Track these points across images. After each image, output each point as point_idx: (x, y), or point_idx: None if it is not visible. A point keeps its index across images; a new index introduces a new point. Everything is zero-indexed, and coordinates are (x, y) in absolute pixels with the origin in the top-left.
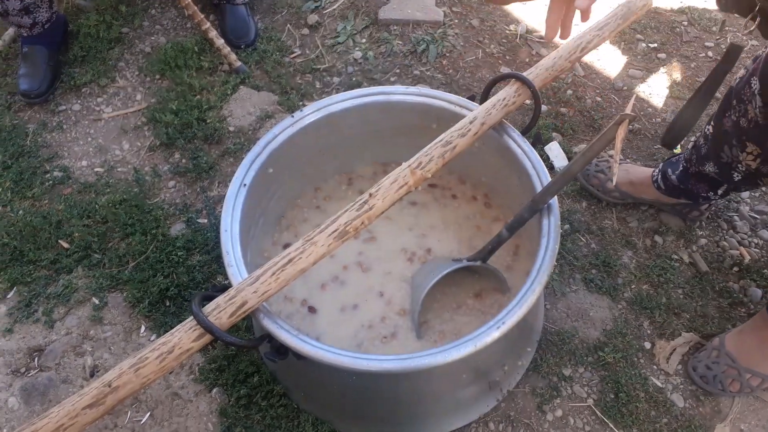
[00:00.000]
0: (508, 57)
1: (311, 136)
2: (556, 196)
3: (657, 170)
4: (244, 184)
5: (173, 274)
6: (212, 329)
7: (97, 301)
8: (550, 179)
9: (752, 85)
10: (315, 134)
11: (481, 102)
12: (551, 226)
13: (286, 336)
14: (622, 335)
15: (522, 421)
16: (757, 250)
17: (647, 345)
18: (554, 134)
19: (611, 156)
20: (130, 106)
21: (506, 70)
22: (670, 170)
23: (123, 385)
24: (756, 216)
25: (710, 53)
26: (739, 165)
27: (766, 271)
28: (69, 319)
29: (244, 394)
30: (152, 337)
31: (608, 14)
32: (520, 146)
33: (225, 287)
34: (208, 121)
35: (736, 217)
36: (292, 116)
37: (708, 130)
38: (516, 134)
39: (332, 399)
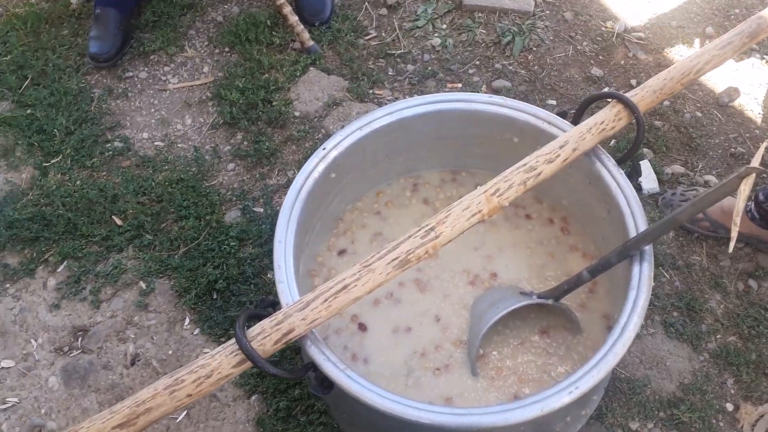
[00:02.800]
0: (601, 57)
1: (381, 140)
2: (651, 244)
3: (751, 197)
4: (303, 193)
5: (223, 265)
6: (254, 358)
7: (144, 286)
8: (645, 221)
9: None
10: (385, 139)
11: (574, 121)
12: (642, 278)
13: (332, 370)
14: (701, 392)
15: None
16: None
17: (729, 407)
18: (645, 150)
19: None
20: (197, 79)
21: (598, 72)
22: (762, 195)
23: (156, 407)
24: None
25: None
26: None
27: None
28: (115, 302)
29: (283, 407)
30: (196, 331)
31: (733, 30)
32: (615, 177)
33: (273, 303)
34: (273, 103)
35: None
36: (359, 118)
37: None
38: (611, 162)
39: (375, 430)
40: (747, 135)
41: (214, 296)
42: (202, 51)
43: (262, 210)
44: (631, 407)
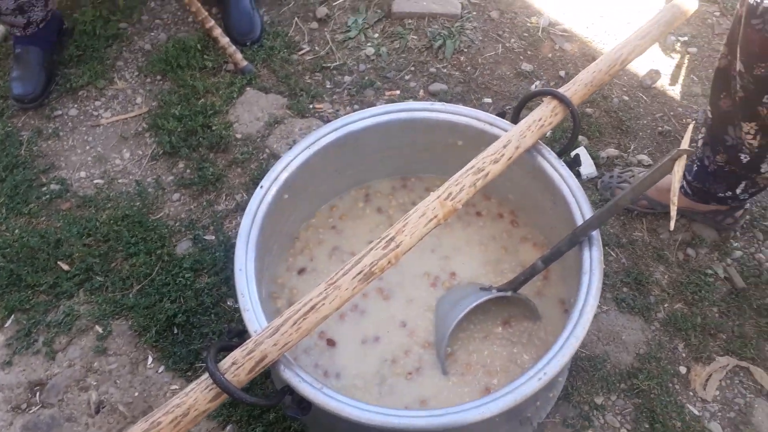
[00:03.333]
0: (529, 52)
1: (329, 156)
2: (598, 229)
3: (684, 176)
4: (258, 218)
5: (181, 298)
6: (231, 390)
7: (100, 330)
8: (590, 208)
9: (736, 67)
10: (333, 154)
11: (513, 120)
12: (594, 262)
13: (309, 391)
14: (656, 360)
15: None
16: None
17: (683, 370)
18: (580, 138)
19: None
20: (130, 111)
21: (528, 67)
22: (686, 173)
23: None
24: None
25: None
26: (744, 146)
27: None
28: (71, 350)
29: None
30: (160, 369)
31: (650, 20)
32: (557, 170)
33: (240, 332)
34: (213, 127)
35: None
36: (305, 137)
37: (708, 115)
38: (552, 156)
39: None
40: (671, 113)
41: (175, 331)
42: (133, 81)
43: (213, 237)
44: (594, 383)
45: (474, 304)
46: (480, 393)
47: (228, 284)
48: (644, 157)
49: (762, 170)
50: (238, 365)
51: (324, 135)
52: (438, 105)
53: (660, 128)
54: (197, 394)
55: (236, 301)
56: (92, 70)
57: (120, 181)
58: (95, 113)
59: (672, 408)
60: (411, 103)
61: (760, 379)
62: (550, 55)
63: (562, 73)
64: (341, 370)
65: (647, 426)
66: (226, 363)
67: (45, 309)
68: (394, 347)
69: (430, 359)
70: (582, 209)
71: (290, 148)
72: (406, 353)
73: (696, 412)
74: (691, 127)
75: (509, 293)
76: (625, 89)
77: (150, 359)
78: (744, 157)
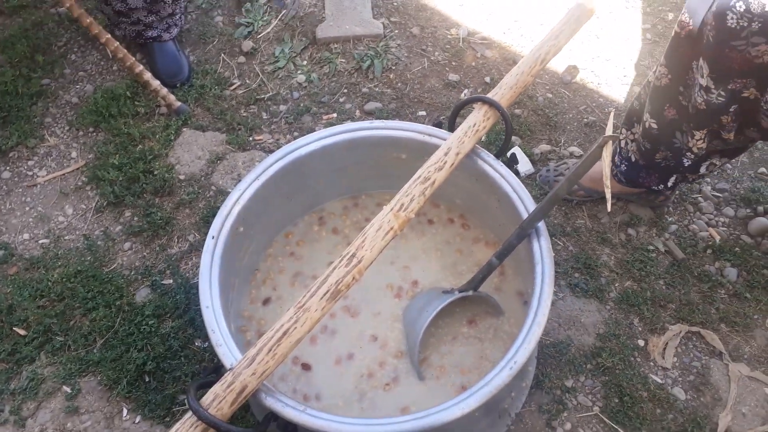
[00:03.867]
0: (454, 63)
1: (279, 185)
2: (542, 220)
3: (615, 162)
4: (217, 253)
5: (147, 346)
6: (217, 424)
7: (68, 390)
8: (532, 201)
9: (696, 68)
10: (283, 182)
11: (449, 128)
12: (543, 251)
13: (294, 414)
14: (615, 337)
15: None
16: (725, 229)
17: (641, 343)
18: (513, 138)
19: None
20: (67, 166)
21: (455, 77)
22: (617, 170)
23: None
24: (718, 194)
25: (649, 35)
26: (689, 151)
27: (737, 249)
28: (41, 414)
29: None
30: (137, 419)
31: (561, 20)
32: (497, 170)
33: (217, 368)
34: (155, 172)
35: (700, 199)
36: (252, 169)
37: (650, 125)
38: (490, 158)
39: None
40: (594, 105)
41: (147, 379)
42: (65, 136)
43: (171, 281)
44: (562, 368)
45: (438, 309)
46: (457, 392)
47: (193, 325)
48: (575, 149)
49: (701, 171)
50: (220, 399)
51: (271, 165)
52: (378, 123)
53: (585, 120)
54: None
55: (205, 341)
56: (20, 129)
57: (66, 237)
58: (29, 173)
59: (637, 380)
60: (351, 124)
61: (711, 341)
62: (473, 64)
63: (487, 79)
64: (320, 391)
65: (617, 401)
66: (207, 399)
67: (7, 377)
68: (369, 361)
69: (405, 368)
70: (525, 204)
71: (239, 181)
72: (380, 365)
73: (659, 381)
74: (612, 114)
75: (470, 293)
76: (547, 87)
77: (125, 411)
78: (686, 161)
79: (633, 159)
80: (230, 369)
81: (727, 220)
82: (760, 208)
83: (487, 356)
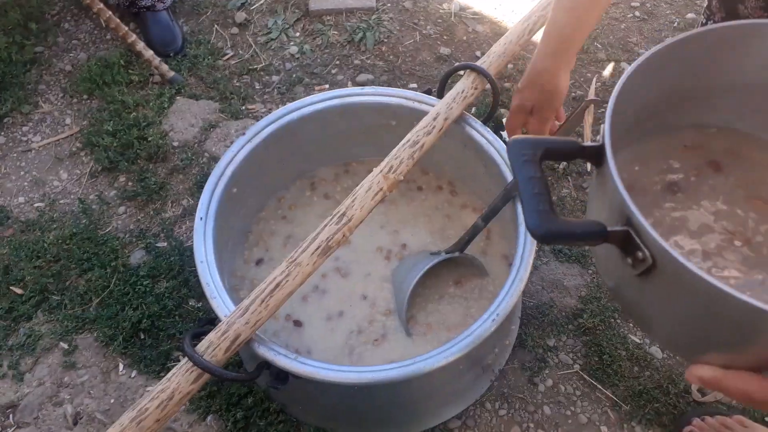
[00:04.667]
0: (445, 37)
1: (271, 148)
2: None
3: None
4: (211, 211)
5: (142, 305)
6: (211, 369)
7: (65, 346)
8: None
9: None
10: (275, 146)
11: (438, 95)
12: None
13: (285, 362)
14: (596, 300)
15: (516, 396)
16: None
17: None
18: (501, 110)
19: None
20: (61, 132)
21: (446, 51)
22: None
23: None
24: None
25: (637, 13)
26: None
27: None
28: (39, 369)
29: (240, 417)
30: (133, 374)
31: None
32: (484, 135)
33: (211, 320)
34: (149, 138)
35: None
36: (244, 134)
37: None
38: (478, 124)
39: (332, 409)
40: (581, 79)
41: (142, 336)
42: (59, 104)
43: (165, 244)
44: (545, 328)
45: (426, 269)
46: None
47: (187, 286)
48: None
49: None
50: (214, 346)
51: (263, 128)
52: (368, 89)
53: (573, 94)
54: (179, 378)
55: (199, 301)
56: (14, 96)
57: (62, 201)
58: (24, 138)
59: (616, 340)
60: (343, 90)
61: None
62: (464, 38)
63: (478, 53)
64: (311, 346)
65: (597, 359)
66: (202, 346)
67: (4, 334)
68: (359, 319)
69: (393, 325)
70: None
71: (232, 144)
72: (370, 323)
73: (637, 341)
74: (594, 79)
75: (457, 254)
76: (520, 57)
77: (121, 366)
78: None
79: None
80: (225, 318)
81: None
82: None
83: (472, 314)
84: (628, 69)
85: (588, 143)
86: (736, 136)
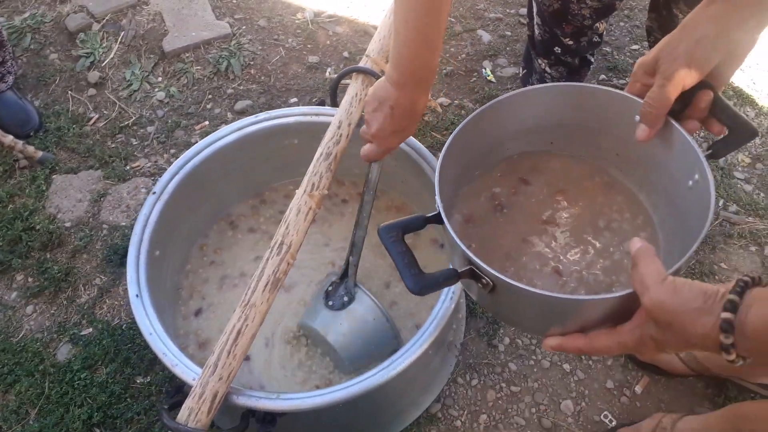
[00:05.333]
0: (309, 45)
1: (181, 199)
2: None
3: None
4: (142, 281)
5: (87, 400)
6: None
7: None
8: (427, 152)
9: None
10: (184, 196)
11: (332, 103)
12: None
13: (269, 403)
14: None
15: (481, 363)
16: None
17: None
18: None
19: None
20: None
21: (314, 59)
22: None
23: None
24: None
25: None
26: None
27: None
28: None
29: None
30: None
31: None
32: None
33: (178, 388)
34: (37, 227)
35: None
36: (154, 192)
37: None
38: None
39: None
40: (447, 55)
41: (98, 431)
42: None
43: (91, 330)
44: None
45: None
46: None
47: (129, 364)
48: (443, 99)
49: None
50: (195, 411)
51: (168, 181)
52: (262, 115)
53: (444, 71)
54: None
55: (146, 376)
56: None
57: None
58: None
59: None
60: (237, 123)
61: None
62: (328, 42)
63: (345, 53)
64: (266, 382)
65: None
66: (183, 415)
67: None
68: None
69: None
70: (423, 155)
71: (142, 205)
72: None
73: None
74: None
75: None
76: None
77: None
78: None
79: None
80: (196, 381)
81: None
82: None
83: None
84: (445, 144)
85: (429, 214)
86: (532, 156)
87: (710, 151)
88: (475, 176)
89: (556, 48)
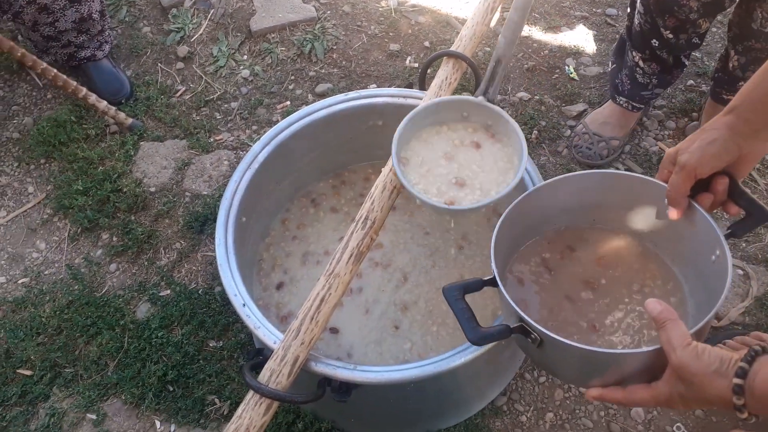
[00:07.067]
0: (391, 33)
1: (269, 170)
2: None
3: None
4: (230, 243)
5: (163, 358)
6: (281, 396)
7: (93, 417)
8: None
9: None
10: (272, 167)
11: (420, 86)
12: (532, 174)
13: (346, 373)
14: None
15: None
16: (671, 141)
17: None
18: (465, 94)
19: None
20: (27, 202)
21: (396, 47)
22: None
23: None
24: (658, 111)
25: None
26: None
27: None
28: None
29: None
30: (172, 428)
31: None
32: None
33: (259, 350)
34: (124, 189)
35: (644, 119)
36: (244, 162)
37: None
38: (471, 98)
39: (384, 413)
40: (530, 51)
41: (171, 388)
42: (16, 174)
43: (169, 291)
44: None
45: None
46: None
47: (203, 328)
48: (523, 94)
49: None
50: (276, 373)
51: (259, 152)
52: (353, 93)
53: (526, 65)
54: (250, 413)
55: (218, 340)
56: None
57: (47, 272)
58: None
59: None
60: (326, 100)
61: None
62: (410, 31)
63: (426, 43)
64: (351, 349)
65: None
66: (264, 376)
67: (24, 419)
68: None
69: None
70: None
71: (234, 172)
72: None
73: None
74: None
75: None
76: (484, 42)
77: (158, 423)
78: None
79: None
80: (279, 344)
81: (670, 132)
82: (695, 114)
83: None
84: (497, 223)
85: (486, 278)
86: (576, 230)
87: (729, 231)
88: (526, 244)
89: (654, 41)
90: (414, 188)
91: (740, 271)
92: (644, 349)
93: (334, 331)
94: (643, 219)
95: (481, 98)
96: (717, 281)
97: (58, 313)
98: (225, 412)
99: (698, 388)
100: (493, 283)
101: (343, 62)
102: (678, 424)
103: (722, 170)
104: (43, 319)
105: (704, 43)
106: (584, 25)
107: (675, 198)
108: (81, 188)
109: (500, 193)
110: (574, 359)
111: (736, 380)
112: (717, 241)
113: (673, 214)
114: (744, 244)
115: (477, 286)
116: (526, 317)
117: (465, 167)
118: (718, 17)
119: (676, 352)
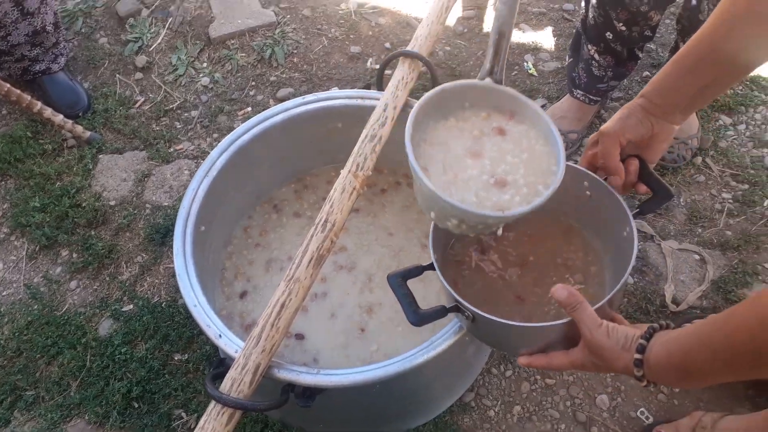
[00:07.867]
0: (352, 36)
1: (228, 177)
2: None
3: None
4: (188, 252)
5: (127, 374)
6: (243, 404)
7: None
8: None
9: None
10: (231, 174)
11: (378, 87)
12: None
13: (310, 378)
14: None
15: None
16: None
17: None
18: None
19: None
20: None
21: (356, 50)
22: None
23: None
24: (616, 102)
25: None
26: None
27: None
28: None
29: None
30: None
31: None
32: None
33: (221, 360)
34: (83, 204)
35: (602, 111)
36: (201, 171)
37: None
38: None
39: (351, 415)
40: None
41: (136, 405)
42: None
43: (132, 306)
44: None
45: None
46: None
47: (168, 341)
48: None
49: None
50: (238, 382)
51: (217, 158)
52: (310, 96)
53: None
54: (212, 423)
55: (183, 353)
56: None
57: (5, 293)
58: None
59: None
60: (282, 105)
61: (642, 228)
62: (370, 33)
63: (387, 44)
64: (317, 355)
65: None
66: (226, 385)
67: None
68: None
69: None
70: None
71: (192, 178)
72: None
73: None
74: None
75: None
76: (444, 41)
77: None
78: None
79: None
80: (240, 352)
81: None
82: None
83: None
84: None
85: (425, 264)
86: None
87: (638, 210)
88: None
89: (608, 33)
90: (463, 204)
91: (696, 256)
92: (558, 321)
93: (299, 337)
94: (569, 201)
95: (488, 80)
96: (628, 254)
97: (17, 334)
98: (192, 426)
99: (608, 360)
100: (432, 267)
101: (304, 66)
102: (642, 409)
103: (634, 154)
104: (2, 342)
105: (658, 35)
106: (542, 20)
107: (610, 165)
108: (38, 205)
109: (554, 182)
110: (503, 332)
111: (637, 355)
112: (626, 218)
113: (616, 180)
114: (700, 230)
115: (417, 271)
116: (457, 296)
117: (498, 161)
118: (671, 8)
119: (591, 332)
